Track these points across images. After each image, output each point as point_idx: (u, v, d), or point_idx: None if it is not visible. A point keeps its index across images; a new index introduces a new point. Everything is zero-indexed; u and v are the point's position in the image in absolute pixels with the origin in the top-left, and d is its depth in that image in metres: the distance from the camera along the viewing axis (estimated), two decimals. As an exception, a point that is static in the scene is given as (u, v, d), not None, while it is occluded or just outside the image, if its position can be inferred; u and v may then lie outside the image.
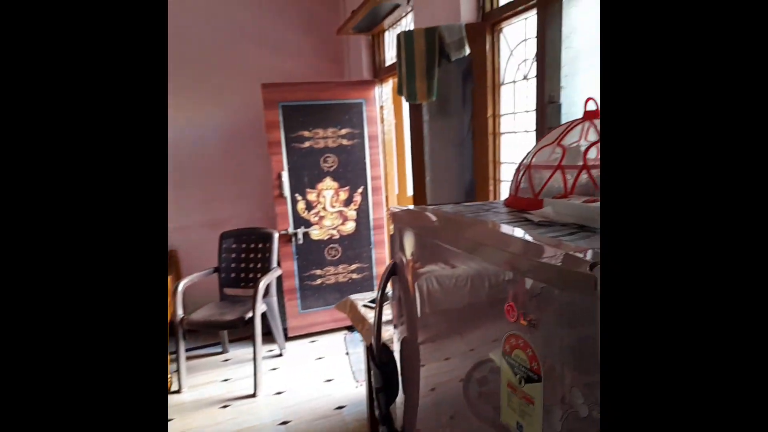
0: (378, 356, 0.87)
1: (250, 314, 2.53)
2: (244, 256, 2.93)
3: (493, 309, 0.64)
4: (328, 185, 3.08)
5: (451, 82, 1.93)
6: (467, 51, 1.78)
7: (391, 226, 0.97)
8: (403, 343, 0.88)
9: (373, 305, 1.66)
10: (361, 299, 1.75)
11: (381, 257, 3.26)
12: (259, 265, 2.90)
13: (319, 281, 3.15)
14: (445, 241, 0.76)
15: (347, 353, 2.89)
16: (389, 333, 1.42)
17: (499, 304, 0.61)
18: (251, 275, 2.90)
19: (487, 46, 1.84)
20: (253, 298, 2.52)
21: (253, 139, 3.43)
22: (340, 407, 2.30)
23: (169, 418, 2.30)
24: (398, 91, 1.89)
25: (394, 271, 0.86)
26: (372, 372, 0.87)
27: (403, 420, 0.87)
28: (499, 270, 0.63)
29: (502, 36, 1.85)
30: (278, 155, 2.95)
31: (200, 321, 2.54)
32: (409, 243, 0.88)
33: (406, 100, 1.86)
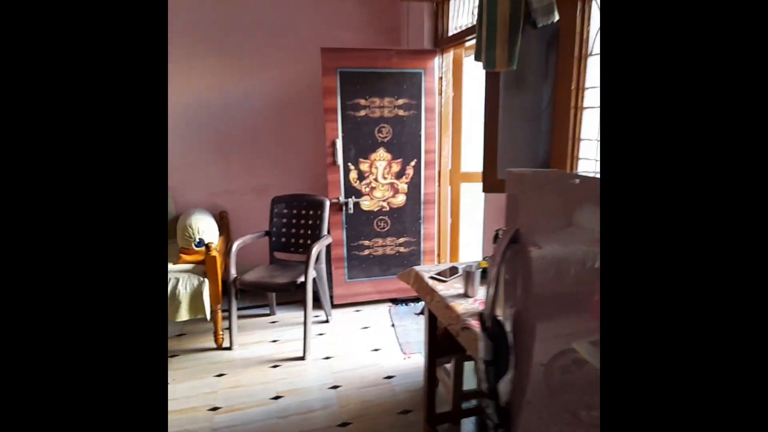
0: (492, 328, 0.84)
1: (301, 279, 2.56)
2: (294, 221, 2.95)
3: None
4: (381, 156, 3.04)
5: (533, 50, 1.82)
6: (556, 17, 1.66)
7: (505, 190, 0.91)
8: (516, 316, 0.85)
9: (442, 279, 1.63)
10: (427, 271, 1.72)
11: (429, 232, 3.22)
12: (309, 232, 2.91)
13: (366, 252, 3.15)
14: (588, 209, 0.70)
15: (393, 325, 2.90)
16: (463, 306, 1.38)
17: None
18: (301, 241, 2.92)
19: (578, 14, 1.72)
20: (306, 263, 2.54)
21: (305, 106, 3.40)
22: (389, 377, 2.32)
23: (221, 372, 2.38)
24: (476, 56, 1.80)
25: (515, 239, 0.81)
26: (483, 344, 0.84)
27: (510, 396, 0.84)
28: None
29: (594, 4, 1.73)
30: (333, 122, 2.91)
31: (253, 282, 2.58)
32: (528, 210, 0.83)
33: (484, 68, 1.77)
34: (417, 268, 1.78)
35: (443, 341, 1.72)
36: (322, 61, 2.83)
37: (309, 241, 2.89)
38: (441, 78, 3.07)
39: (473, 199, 3.89)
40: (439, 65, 3.05)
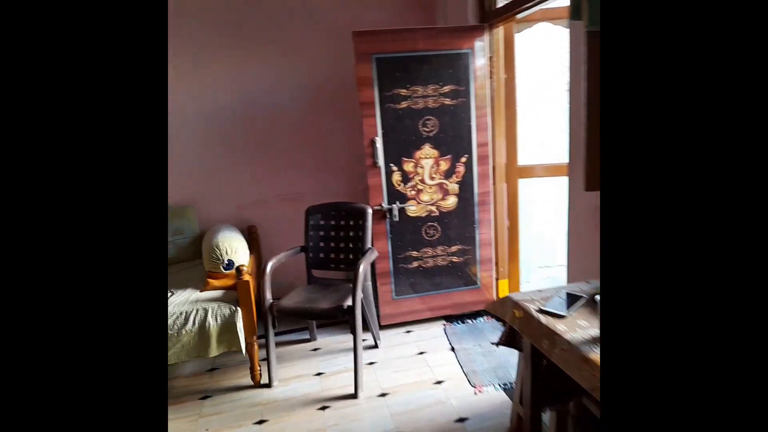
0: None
1: (348, 302, 2.18)
2: (333, 234, 2.58)
3: None
4: (427, 153, 2.63)
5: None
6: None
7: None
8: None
9: (559, 313, 1.21)
10: (528, 300, 1.31)
11: (486, 238, 2.80)
12: (351, 245, 2.53)
13: (415, 264, 2.75)
14: None
15: (452, 348, 2.50)
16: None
17: None
18: (342, 256, 2.55)
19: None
20: (353, 283, 2.16)
21: (338, 101, 3.03)
22: (461, 419, 1.92)
23: (261, 419, 2.02)
24: (572, 15, 1.39)
25: None
26: None
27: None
28: None
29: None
30: (371, 118, 2.53)
31: (292, 308, 2.22)
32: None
33: (587, 27, 1.35)
34: (514, 296, 1.37)
35: (545, 379, 1.31)
36: (354, 47, 2.44)
37: (351, 256, 2.52)
38: (491, 58, 2.64)
39: (532, 196, 3.45)
40: (489, 43, 2.62)
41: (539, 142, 3.26)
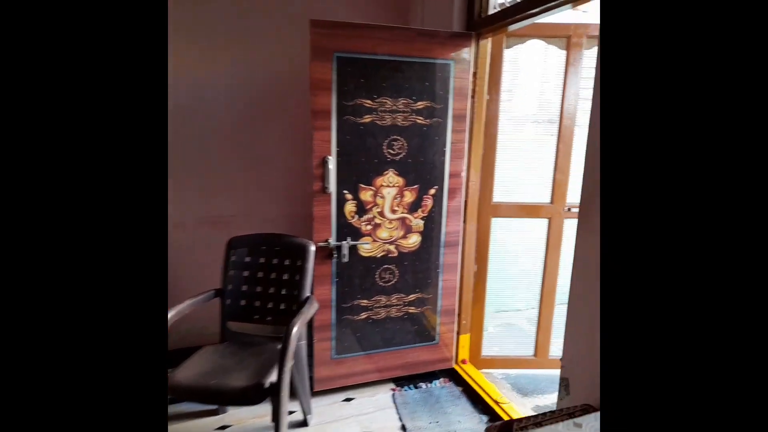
0: None
1: (271, 378, 1.60)
2: (262, 275, 1.98)
3: None
4: (390, 180, 2.13)
5: None
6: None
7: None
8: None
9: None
10: (536, 424, 0.82)
11: (450, 285, 2.34)
12: (284, 292, 1.96)
13: (363, 315, 2.22)
14: None
15: (403, 428, 1.99)
16: None
17: None
18: (270, 305, 1.96)
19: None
20: (282, 350, 1.58)
21: (285, 107, 2.45)
22: None
23: None
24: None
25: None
26: None
27: None
28: None
29: None
30: (325, 131, 1.98)
31: (191, 386, 1.59)
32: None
33: None
34: (519, 423, 0.88)
35: None
36: (311, 40, 1.89)
37: (283, 306, 1.94)
38: (475, 74, 2.20)
39: (505, 238, 3.05)
40: (474, 55, 2.18)
41: (515, 177, 2.88)
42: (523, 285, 3.32)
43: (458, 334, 2.46)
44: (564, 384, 1.51)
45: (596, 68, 1.35)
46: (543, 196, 2.42)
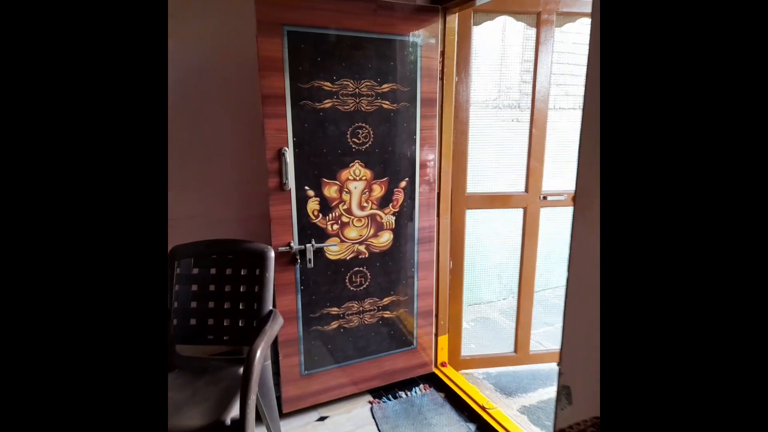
0: None
1: (233, 413, 1.35)
2: (214, 289, 1.71)
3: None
4: (357, 173, 1.91)
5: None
6: None
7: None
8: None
9: None
10: None
11: (427, 284, 2.16)
12: (242, 306, 1.69)
13: (334, 324, 1.99)
14: None
15: (385, 449, 1.79)
16: None
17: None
18: (227, 323, 1.69)
19: None
20: (244, 381, 1.33)
21: (233, 91, 2.15)
22: None
23: None
24: None
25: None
26: None
27: None
28: None
29: None
30: (279, 119, 1.72)
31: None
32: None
33: None
34: None
35: None
36: (256, 12, 1.62)
37: (242, 323, 1.68)
38: (442, 53, 2.01)
39: (481, 231, 2.91)
40: (442, 33, 1.99)
41: (486, 165, 2.73)
42: (497, 276, 3.21)
43: (436, 335, 2.29)
44: (565, 392, 1.36)
45: (590, 48, 1.19)
46: (517, 185, 2.29)
